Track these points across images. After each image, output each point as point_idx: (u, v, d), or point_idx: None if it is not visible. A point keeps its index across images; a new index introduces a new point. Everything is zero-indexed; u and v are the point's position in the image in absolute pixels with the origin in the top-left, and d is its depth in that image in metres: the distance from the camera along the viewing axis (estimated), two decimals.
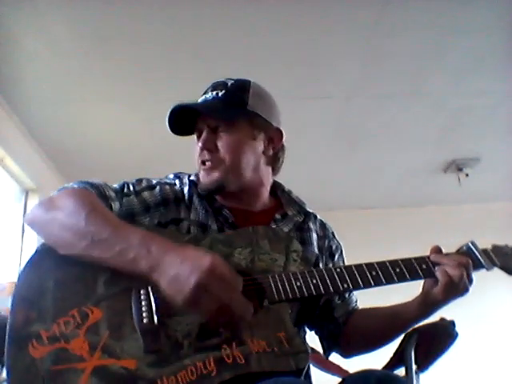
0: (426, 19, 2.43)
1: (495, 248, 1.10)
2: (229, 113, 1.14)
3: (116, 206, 1.06)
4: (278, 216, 1.20)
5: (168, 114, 1.15)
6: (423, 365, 1.50)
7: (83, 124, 3.18)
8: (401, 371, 1.45)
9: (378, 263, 1.03)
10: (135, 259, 0.88)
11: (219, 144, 1.14)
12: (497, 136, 3.54)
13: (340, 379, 1.03)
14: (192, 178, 1.22)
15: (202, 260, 0.86)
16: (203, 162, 1.16)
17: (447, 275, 0.99)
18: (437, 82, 2.92)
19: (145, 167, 3.49)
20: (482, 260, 1.05)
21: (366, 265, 1.02)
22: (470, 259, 1.03)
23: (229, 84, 1.18)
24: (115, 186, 1.12)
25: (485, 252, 1.08)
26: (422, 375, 1.52)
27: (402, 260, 1.04)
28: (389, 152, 3.71)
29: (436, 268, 1.02)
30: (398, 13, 2.38)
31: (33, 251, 0.99)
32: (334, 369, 2.10)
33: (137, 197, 1.10)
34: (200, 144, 1.15)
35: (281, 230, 1.14)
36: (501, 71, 2.84)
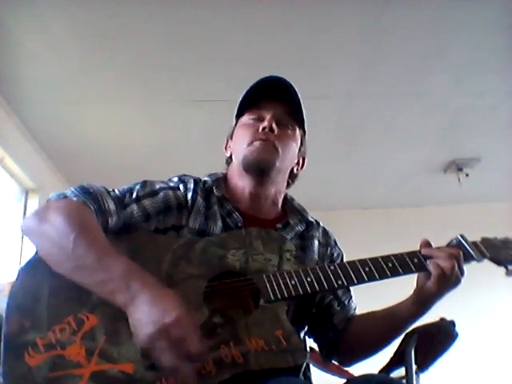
0: (426, 19, 2.43)
1: (484, 240, 1.12)
2: (302, 118, 1.27)
3: (113, 220, 1.05)
4: (279, 225, 1.20)
5: (257, 82, 1.25)
6: (423, 365, 1.50)
7: (83, 124, 3.18)
8: (401, 371, 1.45)
9: (370, 259, 1.04)
10: (114, 292, 0.87)
11: (281, 134, 1.21)
12: (497, 136, 3.54)
13: (339, 379, 1.03)
14: (206, 178, 1.21)
15: (167, 313, 0.82)
16: (263, 140, 1.18)
17: (439, 267, 1.00)
18: (437, 81, 2.92)
19: (145, 167, 3.51)
20: (472, 252, 1.07)
21: (359, 261, 1.03)
22: (461, 251, 1.05)
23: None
24: (117, 192, 1.10)
25: (474, 244, 1.10)
26: (422, 375, 1.51)
27: (394, 255, 1.05)
28: (389, 152, 3.70)
29: (428, 261, 1.03)
30: (398, 13, 2.38)
31: (30, 255, 0.98)
32: (334, 369, 2.10)
33: (137, 204, 1.09)
34: (274, 125, 1.20)
35: (274, 231, 1.14)
36: (501, 71, 2.84)
